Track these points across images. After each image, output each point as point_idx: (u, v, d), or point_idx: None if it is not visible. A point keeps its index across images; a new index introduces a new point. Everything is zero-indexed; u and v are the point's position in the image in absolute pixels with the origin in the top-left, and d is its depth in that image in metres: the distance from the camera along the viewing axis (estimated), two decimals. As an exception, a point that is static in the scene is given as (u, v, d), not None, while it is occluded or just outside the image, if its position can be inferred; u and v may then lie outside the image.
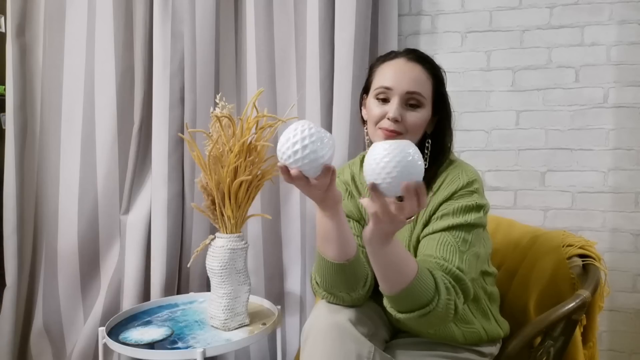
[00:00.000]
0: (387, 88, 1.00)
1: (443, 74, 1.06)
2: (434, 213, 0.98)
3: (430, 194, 1.00)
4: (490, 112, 1.64)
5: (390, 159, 0.72)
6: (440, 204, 0.97)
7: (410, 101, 1.00)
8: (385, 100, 1.01)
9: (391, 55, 1.06)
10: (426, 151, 1.03)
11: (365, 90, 1.09)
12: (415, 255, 0.99)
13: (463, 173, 1.00)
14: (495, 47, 1.62)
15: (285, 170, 0.80)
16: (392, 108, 0.99)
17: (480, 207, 0.97)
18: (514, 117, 1.62)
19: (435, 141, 1.05)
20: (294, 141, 0.77)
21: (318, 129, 0.79)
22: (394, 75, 1.00)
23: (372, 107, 1.03)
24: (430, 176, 1.01)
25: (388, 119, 0.99)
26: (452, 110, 1.06)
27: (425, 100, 1.01)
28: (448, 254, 0.91)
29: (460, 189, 0.97)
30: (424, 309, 0.84)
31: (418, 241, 1.00)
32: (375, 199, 0.75)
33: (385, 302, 0.90)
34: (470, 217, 0.94)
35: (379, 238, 0.80)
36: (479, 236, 0.97)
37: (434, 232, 0.95)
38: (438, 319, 0.86)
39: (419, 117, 1.00)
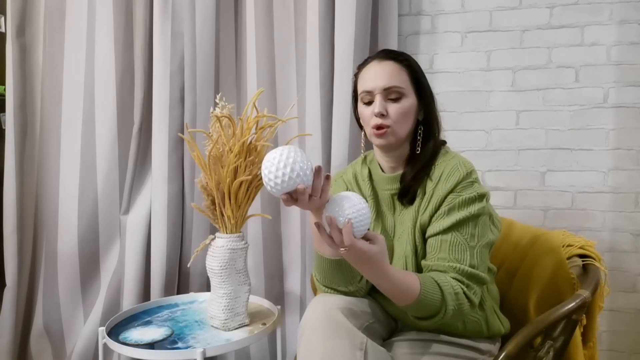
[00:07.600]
0: (368, 92, 1.08)
1: (416, 63, 1.11)
2: (439, 205, 1.03)
3: (431, 184, 1.05)
4: (490, 112, 1.64)
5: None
6: (445, 197, 1.03)
7: (391, 95, 1.06)
8: (370, 103, 1.09)
9: (366, 61, 1.13)
10: (418, 137, 1.10)
11: (355, 99, 1.16)
12: (424, 247, 1.06)
13: (461, 164, 1.05)
14: (495, 47, 1.62)
15: (288, 196, 0.88)
16: (376, 104, 1.06)
17: (482, 197, 1.03)
18: (514, 117, 1.62)
19: (425, 127, 1.11)
20: (279, 166, 0.85)
21: (284, 147, 0.88)
22: (371, 78, 1.08)
23: (362, 111, 1.11)
24: (423, 161, 1.07)
25: (375, 115, 1.06)
26: (434, 94, 1.12)
27: (404, 90, 1.06)
28: (459, 254, 0.99)
29: (462, 181, 1.03)
30: (434, 318, 0.96)
31: (422, 229, 1.06)
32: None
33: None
34: (474, 208, 1.01)
35: (356, 264, 0.91)
36: (485, 225, 1.04)
37: (443, 232, 1.01)
38: (453, 320, 0.98)
39: (401, 107, 1.06)
